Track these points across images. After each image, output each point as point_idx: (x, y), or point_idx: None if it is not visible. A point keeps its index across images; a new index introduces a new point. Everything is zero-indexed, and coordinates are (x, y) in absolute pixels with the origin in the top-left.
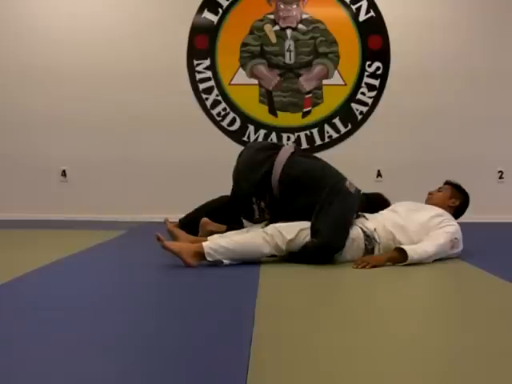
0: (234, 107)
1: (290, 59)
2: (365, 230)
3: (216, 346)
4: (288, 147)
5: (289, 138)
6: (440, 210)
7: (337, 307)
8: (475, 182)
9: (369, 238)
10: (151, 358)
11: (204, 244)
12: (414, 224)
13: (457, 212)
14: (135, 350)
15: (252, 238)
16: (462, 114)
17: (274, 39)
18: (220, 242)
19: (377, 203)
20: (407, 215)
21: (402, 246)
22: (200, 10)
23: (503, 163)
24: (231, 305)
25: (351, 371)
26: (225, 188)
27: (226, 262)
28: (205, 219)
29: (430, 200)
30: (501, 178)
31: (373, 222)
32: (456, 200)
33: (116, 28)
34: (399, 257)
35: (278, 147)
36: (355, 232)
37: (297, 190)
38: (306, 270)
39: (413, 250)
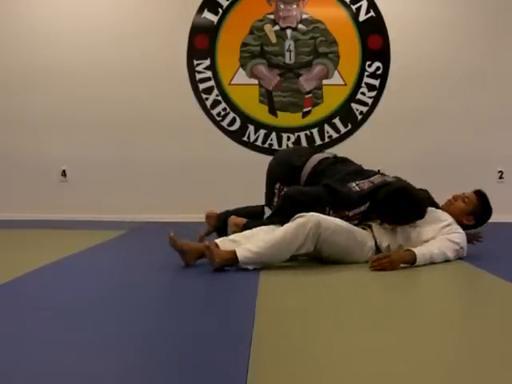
0: (234, 107)
1: (290, 59)
2: (379, 246)
3: (216, 346)
4: (322, 153)
5: (289, 138)
6: (450, 219)
7: (337, 307)
8: (475, 182)
9: (379, 251)
10: (151, 357)
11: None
12: (423, 237)
13: (465, 227)
14: (135, 349)
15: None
16: (462, 114)
17: (274, 39)
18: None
19: None
20: (417, 228)
21: (413, 249)
22: (200, 10)
23: (503, 163)
24: (231, 305)
25: (351, 371)
26: (225, 188)
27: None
28: (232, 216)
29: (449, 205)
30: (501, 178)
31: (387, 238)
32: (472, 220)
33: (116, 28)
34: (410, 259)
35: (311, 153)
36: (370, 244)
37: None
38: (306, 270)
39: (422, 256)
